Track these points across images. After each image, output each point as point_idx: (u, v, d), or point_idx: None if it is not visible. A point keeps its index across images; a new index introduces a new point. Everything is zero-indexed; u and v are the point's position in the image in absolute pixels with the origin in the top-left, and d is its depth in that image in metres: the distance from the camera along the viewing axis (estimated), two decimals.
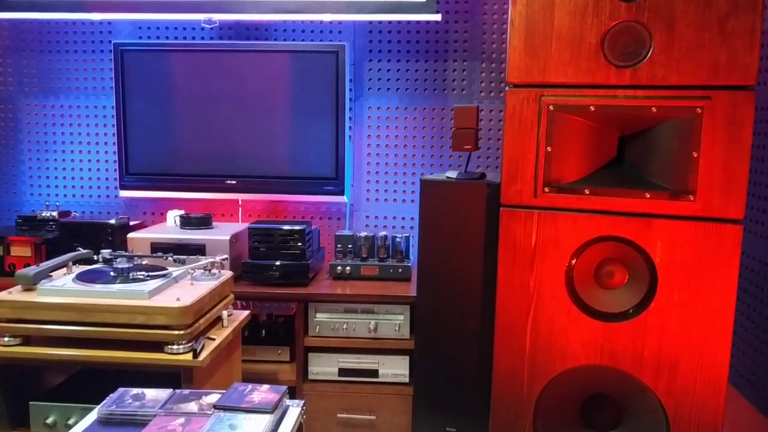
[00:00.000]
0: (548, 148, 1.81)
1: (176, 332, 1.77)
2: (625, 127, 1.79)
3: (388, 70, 2.96)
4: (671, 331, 1.77)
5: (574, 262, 1.84)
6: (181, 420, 1.36)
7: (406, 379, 2.47)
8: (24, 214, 2.83)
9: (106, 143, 3.10)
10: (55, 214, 2.74)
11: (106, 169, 3.12)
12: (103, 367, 1.82)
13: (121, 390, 1.49)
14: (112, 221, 2.58)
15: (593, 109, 1.77)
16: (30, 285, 1.85)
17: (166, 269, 2.00)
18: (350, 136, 2.95)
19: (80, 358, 1.79)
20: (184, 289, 1.91)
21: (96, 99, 3.08)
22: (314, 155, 2.83)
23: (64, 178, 3.14)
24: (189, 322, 1.79)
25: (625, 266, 1.81)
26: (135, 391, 1.48)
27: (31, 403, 1.83)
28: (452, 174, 2.14)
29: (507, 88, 1.86)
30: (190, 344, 1.79)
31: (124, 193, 2.96)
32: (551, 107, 1.80)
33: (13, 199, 3.15)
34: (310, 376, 2.51)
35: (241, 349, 2.53)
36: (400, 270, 2.60)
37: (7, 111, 3.13)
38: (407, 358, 2.46)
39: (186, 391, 1.49)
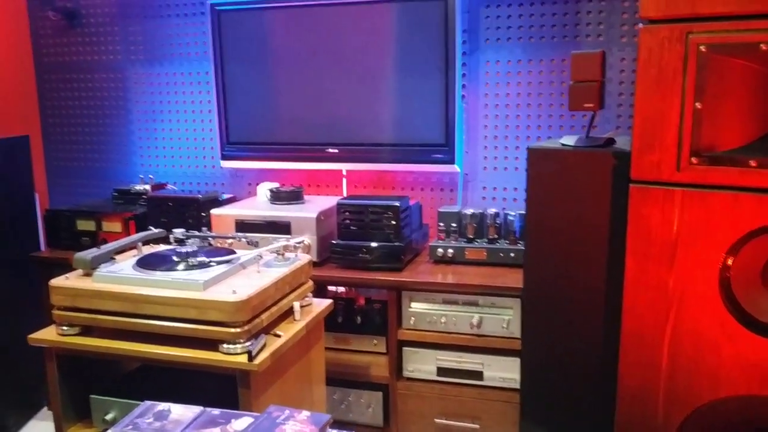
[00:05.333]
0: (698, 104, 1.37)
1: (231, 330, 1.54)
2: None
3: (509, 17, 2.52)
4: None
5: (732, 258, 1.37)
6: None
7: (516, 385, 2.10)
8: (119, 187, 2.76)
9: (210, 111, 2.96)
10: (148, 187, 2.63)
11: (210, 138, 2.99)
12: (157, 364, 1.64)
13: (147, 404, 1.27)
14: (199, 196, 2.42)
15: (765, 47, 1.30)
16: (88, 269, 1.70)
17: (235, 253, 1.78)
18: (463, 96, 2.57)
19: (132, 353, 1.62)
20: (248, 278, 1.68)
21: (199, 65, 2.94)
22: (422, 119, 2.51)
23: (171, 148, 3.05)
24: (246, 318, 1.55)
25: None
26: (161, 406, 1.26)
27: (91, 396, 1.71)
28: (570, 140, 1.70)
29: (640, 25, 1.40)
30: (248, 343, 1.55)
31: (226, 164, 2.83)
32: (703, 48, 1.35)
33: (126, 169, 3.12)
34: (405, 374, 2.22)
35: (333, 338, 2.31)
36: (512, 254, 2.21)
37: (117, 81, 3.08)
38: (518, 360, 2.08)
39: (216, 412, 1.24)
